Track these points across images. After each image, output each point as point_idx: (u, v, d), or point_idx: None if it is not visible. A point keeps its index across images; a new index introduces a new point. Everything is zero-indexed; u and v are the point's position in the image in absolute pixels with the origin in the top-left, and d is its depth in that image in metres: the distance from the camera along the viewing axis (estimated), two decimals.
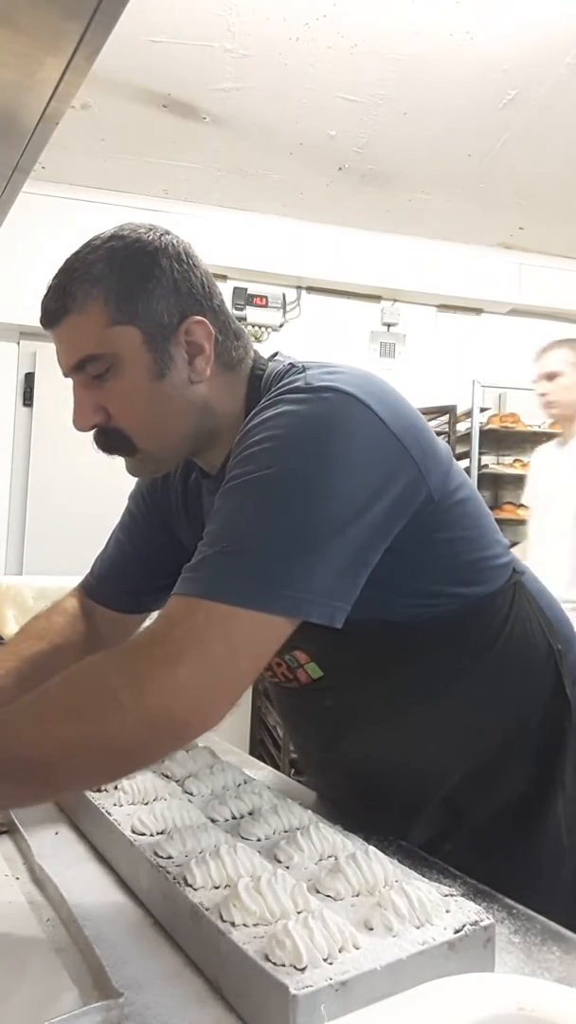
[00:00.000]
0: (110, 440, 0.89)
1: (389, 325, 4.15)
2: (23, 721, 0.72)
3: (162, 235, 0.88)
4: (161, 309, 0.85)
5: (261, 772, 1.16)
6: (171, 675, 0.69)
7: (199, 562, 0.75)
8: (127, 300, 0.84)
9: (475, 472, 3.63)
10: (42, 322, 0.88)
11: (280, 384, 0.85)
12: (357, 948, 0.61)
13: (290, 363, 0.90)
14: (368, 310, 4.13)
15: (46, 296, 0.87)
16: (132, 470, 0.94)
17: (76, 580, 1.17)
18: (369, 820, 0.92)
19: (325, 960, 0.59)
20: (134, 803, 0.90)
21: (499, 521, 1.01)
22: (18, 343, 3.60)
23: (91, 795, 0.92)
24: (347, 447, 0.76)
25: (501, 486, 4.09)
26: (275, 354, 0.97)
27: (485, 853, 0.91)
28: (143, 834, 0.82)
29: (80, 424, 0.88)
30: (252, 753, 3.26)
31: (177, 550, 1.05)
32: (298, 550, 0.73)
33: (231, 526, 0.76)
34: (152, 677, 0.69)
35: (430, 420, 2.85)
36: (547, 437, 3.82)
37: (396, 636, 0.87)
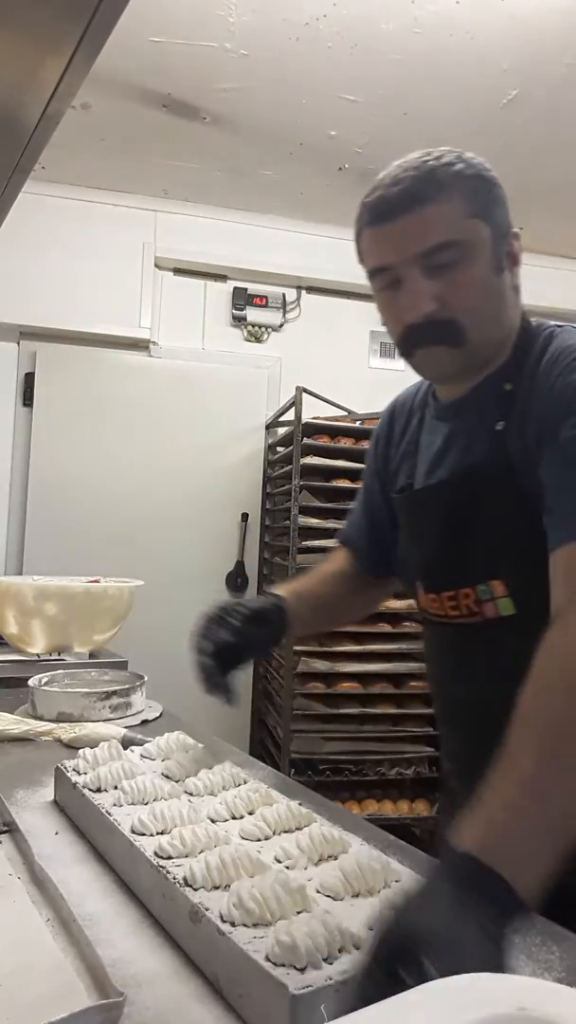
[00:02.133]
0: (440, 330, 0.91)
1: None
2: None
3: None
4: (503, 213, 0.93)
5: (261, 772, 1.16)
6: None
7: None
8: (484, 197, 0.91)
9: None
10: (401, 203, 0.89)
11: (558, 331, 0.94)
12: (357, 948, 0.61)
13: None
14: (368, 310, 4.07)
15: (403, 183, 0.89)
16: (437, 363, 0.95)
17: (76, 580, 1.17)
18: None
19: (325, 960, 0.59)
20: (134, 803, 0.89)
21: None
22: (18, 343, 3.59)
23: (91, 795, 0.92)
24: None
25: None
26: None
27: None
28: (143, 834, 0.82)
29: (416, 312, 0.90)
30: (252, 753, 3.26)
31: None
32: None
33: None
34: None
35: None
36: None
37: None
